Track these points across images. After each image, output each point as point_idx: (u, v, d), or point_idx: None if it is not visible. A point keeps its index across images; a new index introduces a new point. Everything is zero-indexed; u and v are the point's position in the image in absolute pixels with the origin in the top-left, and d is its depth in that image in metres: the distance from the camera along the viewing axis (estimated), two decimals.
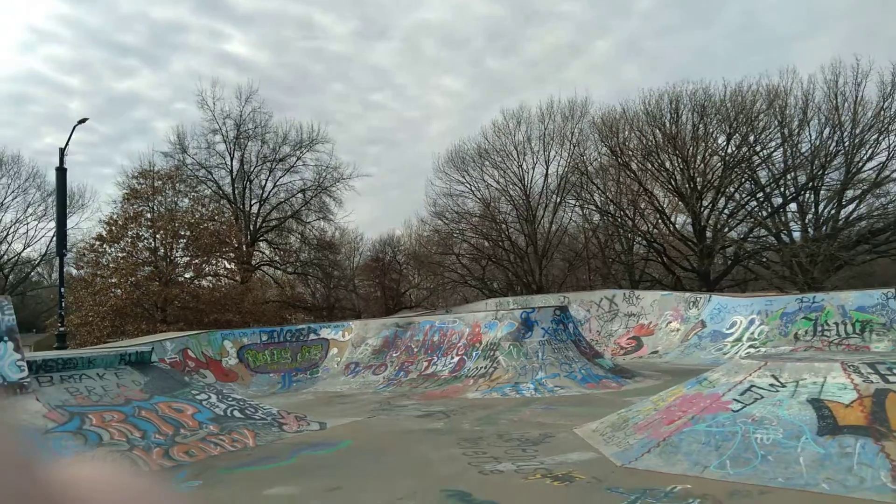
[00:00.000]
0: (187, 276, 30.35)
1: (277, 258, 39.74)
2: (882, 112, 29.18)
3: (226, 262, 33.22)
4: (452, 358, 15.91)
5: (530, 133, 38.82)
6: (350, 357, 18.27)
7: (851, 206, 31.05)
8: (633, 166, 35.26)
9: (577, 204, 38.30)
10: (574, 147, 37.69)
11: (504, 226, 40.16)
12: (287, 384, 17.35)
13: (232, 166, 37.90)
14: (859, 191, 30.55)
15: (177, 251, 30.18)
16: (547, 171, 38.57)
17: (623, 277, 37.54)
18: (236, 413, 9.97)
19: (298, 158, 38.96)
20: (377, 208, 75.00)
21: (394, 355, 17.41)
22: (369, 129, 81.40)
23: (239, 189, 38.31)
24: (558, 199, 38.53)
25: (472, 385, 14.15)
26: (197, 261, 30.13)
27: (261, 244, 39.60)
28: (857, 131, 29.79)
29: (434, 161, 73.86)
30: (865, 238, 30.67)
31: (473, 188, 40.25)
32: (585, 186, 37.02)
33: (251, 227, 38.27)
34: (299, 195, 39.47)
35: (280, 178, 39.13)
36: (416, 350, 17.13)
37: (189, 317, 27.99)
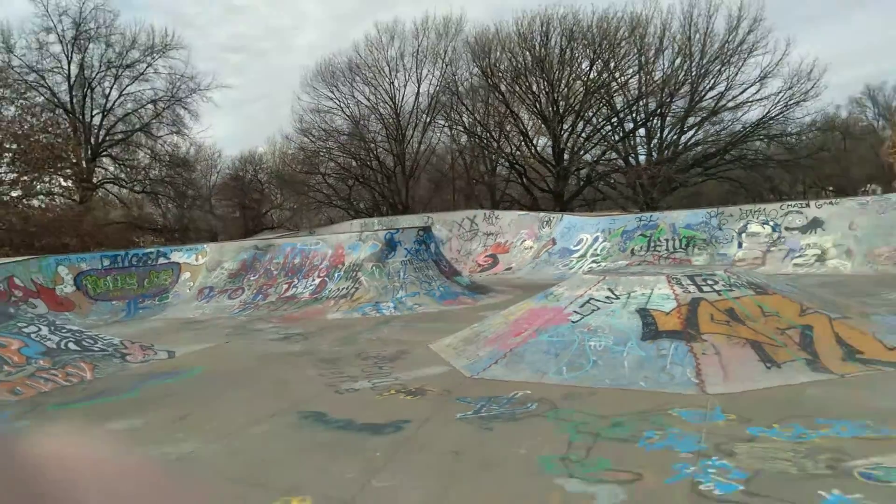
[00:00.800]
0: (14, 195, 26.92)
1: (123, 175, 36.28)
2: (727, 45, 31.60)
3: (62, 180, 29.79)
4: (314, 280, 15.71)
5: (403, 49, 37.77)
6: (204, 282, 17.41)
7: (691, 133, 33.96)
8: (503, 88, 35.70)
9: (447, 125, 38.40)
10: (446, 66, 37.32)
11: (373, 145, 39.42)
12: (132, 312, 16.26)
13: (70, 71, 33.32)
14: (699, 118, 33.40)
15: (1, 167, 26.53)
16: (418, 90, 38.03)
17: (485, 198, 38.74)
18: (71, 345, 9.19)
19: (149, 65, 35.11)
20: (238, 124, 70.25)
21: (252, 279, 16.83)
22: (232, 35, 74.61)
23: (78, 98, 33.93)
24: (428, 119, 38.33)
25: (333, 306, 14.15)
26: (26, 178, 26.72)
27: (104, 160, 35.84)
28: (704, 62, 32.13)
29: (302, 75, 69.75)
30: (699, 162, 33.88)
31: (343, 105, 38.80)
32: (455, 107, 37.08)
33: (92, 141, 34.37)
34: (149, 106, 35.89)
35: (127, 86, 35.17)
36: (275, 273, 16.68)
37: (16, 241, 25.05)
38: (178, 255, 18.37)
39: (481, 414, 5.70)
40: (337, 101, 38.63)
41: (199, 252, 18.39)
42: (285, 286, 15.98)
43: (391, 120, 38.57)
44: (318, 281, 15.55)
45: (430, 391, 6.73)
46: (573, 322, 7.61)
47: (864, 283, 12.66)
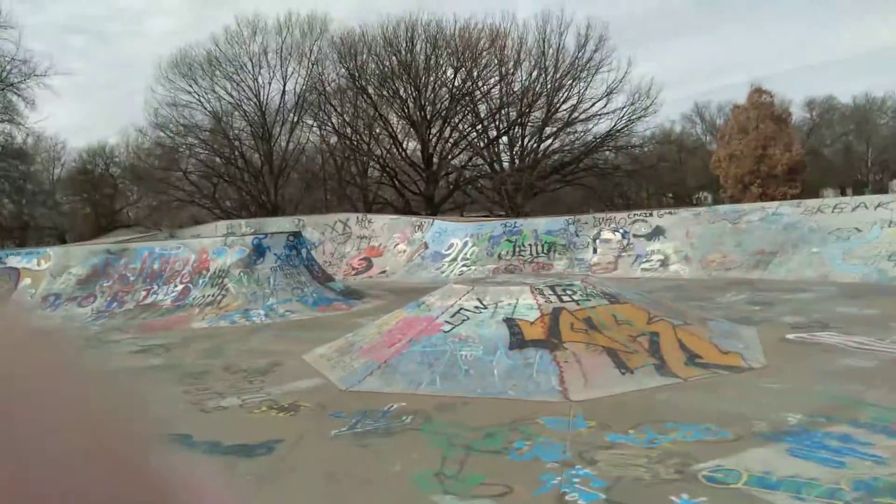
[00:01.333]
0: None
1: None
2: (577, 61, 33.99)
3: None
4: (176, 286, 14.74)
5: (266, 45, 36.38)
6: (49, 288, 15.70)
7: (549, 141, 36.12)
8: (371, 91, 35.64)
9: (315, 124, 37.61)
10: (312, 66, 36.48)
11: (237, 143, 37.62)
12: None
13: None
14: (555, 128, 35.61)
15: None
16: (284, 88, 36.85)
17: (358, 199, 38.50)
18: None
19: None
20: (84, 112, 63.82)
21: (105, 285, 15.43)
22: (71, 15, 67.38)
23: None
24: (295, 118, 37.27)
25: (198, 314, 13.38)
26: None
27: None
28: (557, 76, 34.32)
29: (156, 65, 64.69)
30: (557, 169, 36.13)
31: (203, 99, 36.56)
32: (323, 107, 36.42)
33: None
34: None
35: None
36: (132, 279, 15.43)
37: None
38: (16, 260, 16.42)
39: (356, 430, 5.73)
40: (196, 96, 36.40)
41: (41, 256, 16.53)
42: (143, 293, 14.84)
43: (256, 118, 37.07)
44: (180, 287, 14.61)
45: (303, 406, 6.63)
46: (445, 332, 7.84)
47: (700, 287, 14.24)
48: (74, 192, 41.29)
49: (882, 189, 46.11)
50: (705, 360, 7.11)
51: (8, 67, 31.59)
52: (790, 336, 8.57)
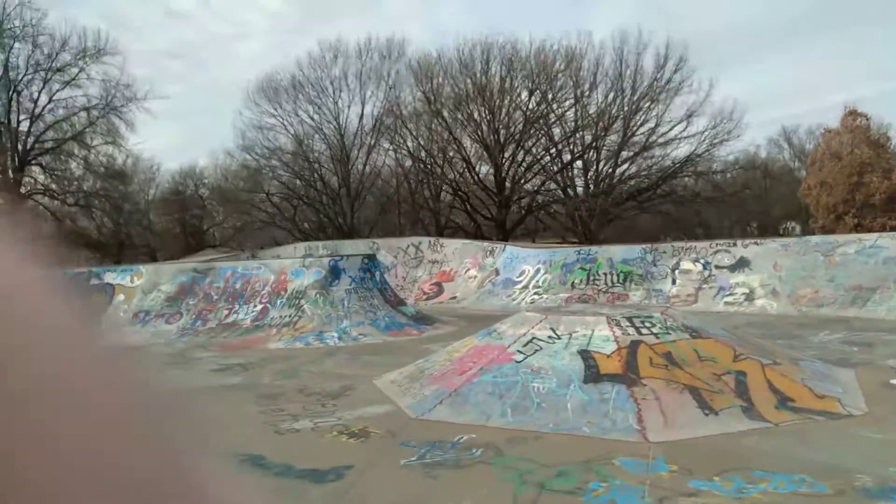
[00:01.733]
0: None
1: (55, 186, 34.39)
2: (655, 82, 33.23)
3: None
4: (255, 306, 15.30)
5: (347, 69, 37.73)
6: (139, 305, 16.66)
7: (625, 166, 35.34)
8: (445, 114, 36.17)
9: (391, 147, 38.49)
10: (390, 89, 37.51)
11: (317, 165, 39.01)
12: None
13: None
14: (632, 153, 34.81)
15: None
16: (363, 112, 38.00)
17: (430, 223, 38.92)
18: None
19: (81, 70, 33.33)
20: (178, 135, 68.16)
21: (190, 303, 16.23)
22: (171, 41, 72.53)
23: (3, 101, 32.01)
24: (373, 142, 38.31)
25: (276, 335, 13.80)
26: None
27: (33, 169, 33.88)
28: (635, 98, 33.63)
29: (244, 89, 68.52)
30: (633, 196, 35.22)
31: (286, 122, 38.23)
32: (399, 130, 37.25)
33: (19, 148, 32.47)
34: (82, 114, 34.12)
35: (57, 91, 33.33)
36: (215, 297, 16.15)
37: None
38: (111, 276, 17.54)
39: (425, 460, 5.66)
40: (280, 119, 38.11)
41: (134, 273, 17.60)
42: (226, 312, 15.48)
43: (335, 140, 38.35)
44: (259, 307, 15.14)
45: (373, 433, 6.64)
46: (517, 362, 7.70)
47: (789, 324, 13.38)
48: (166, 212, 43.83)
49: None
50: (798, 403, 6.61)
51: (112, 92, 34.22)
52: (894, 381, 7.88)
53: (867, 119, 35.26)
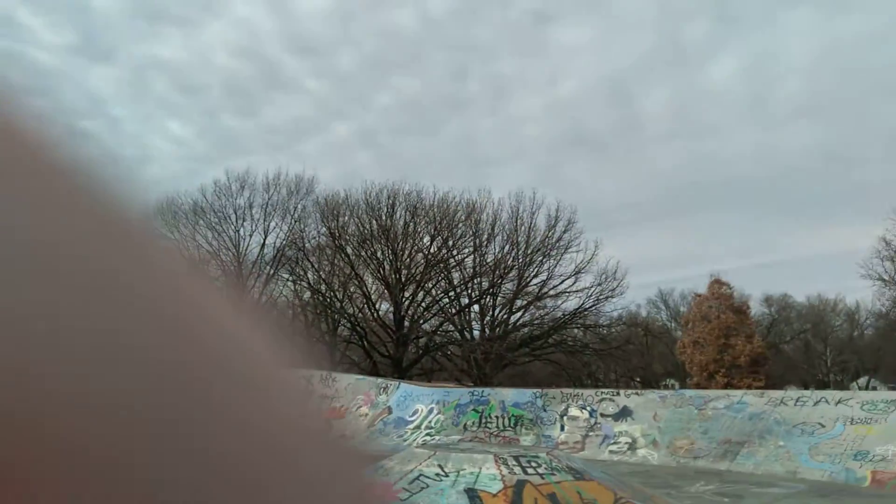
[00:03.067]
0: None
1: None
2: (546, 239, 35.87)
3: None
4: None
5: (253, 200, 37.91)
6: None
7: (519, 314, 36.78)
8: (349, 250, 36.72)
9: (291, 279, 38.05)
10: (295, 222, 37.85)
11: None
12: None
13: None
14: (525, 301, 36.48)
15: None
16: (264, 241, 37.75)
17: (324, 357, 37.75)
18: None
19: None
20: None
21: None
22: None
23: None
24: (272, 271, 37.78)
25: None
26: None
27: None
28: (529, 251, 35.96)
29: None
30: (526, 342, 36.37)
31: (181, 246, 37.01)
32: (301, 263, 37.14)
33: None
34: None
35: None
36: None
37: None
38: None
39: None
40: (175, 242, 36.94)
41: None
42: None
43: (232, 268, 37.50)
44: None
45: None
46: (402, 500, 7.35)
47: (668, 474, 13.77)
48: None
49: (844, 390, 46.90)
50: None
51: None
52: None
53: (730, 288, 39.50)
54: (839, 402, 15.28)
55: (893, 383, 44.52)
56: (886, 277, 38.04)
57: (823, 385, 51.70)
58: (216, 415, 0.28)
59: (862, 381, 51.61)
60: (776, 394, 16.98)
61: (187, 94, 75.70)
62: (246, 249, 37.44)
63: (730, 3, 78.14)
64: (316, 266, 37.48)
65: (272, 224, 37.75)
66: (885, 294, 39.84)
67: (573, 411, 18.19)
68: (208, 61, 74.86)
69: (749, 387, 30.63)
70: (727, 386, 32.82)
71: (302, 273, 37.31)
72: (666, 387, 47.41)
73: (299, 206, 37.96)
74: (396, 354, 35.11)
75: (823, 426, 14.85)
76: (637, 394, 18.40)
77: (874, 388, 43.07)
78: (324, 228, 37.08)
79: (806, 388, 46.28)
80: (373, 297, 37.63)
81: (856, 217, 76.73)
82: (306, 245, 37.28)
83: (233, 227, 37.38)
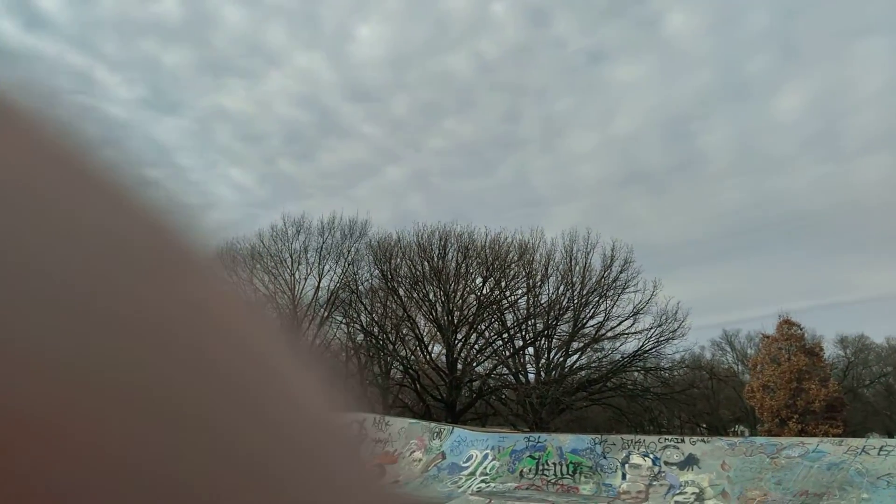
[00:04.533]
0: None
1: None
2: (602, 279, 35.11)
3: None
4: None
5: (308, 244, 38.85)
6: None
7: (575, 357, 35.86)
8: (401, 292, 36.91)
9: (344, 321, 38.46)
10: (349, 265, 38.47)
11: None
12: None
13: None
14: (582, 344, 35.57)
15: None
16: (318, 284, 38.45)
17: (377, 400, 37.70)
18: None
19: None
20: None
21: None
22: None
23: None
24: (326, 314, 38.30)
25: None
26: None
27: None
28: (584, 292, 35.23)
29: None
30: (583, 386, 35.31)
31: (240, 290, 38.22)
32: (354, 305, 37.55)
33: None
34: None
35: None
36: None
37: None
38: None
39: None
40: (234, 286, 38.14)
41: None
42: None
43: (288, 310, 38.21)
44: None
45: None
46: None
47: None
48: None
49: None
50: None
51: None
52: None
53: (801, 329, 37.46)
54: None
55: None
56: None
57: None
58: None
59: None
60: (857, 442, 15.76)
61: (248, 142, 79.39)
62: (301, 292, 38.19)
63: (794, 35, 76.52)
64: (369, 308, 37.80)
65: (326, 267, 38.50)
66: None
67: (635, 459, 17.33)
68: (269, 110, 78.58)
69: (825, 434, 28.66)
70: (801, 433, 30.78)
71: (355, 315, 37.68)
72: (735, 433, 44.90)
73: (353, 248, 38.66)
74: (449, 398, 34.66)
75: None
76: (704, 441, 17.42)
77: None
78: (376, 271, 37.54)
79: (890, 436, 42.96)
80: (425, 339, 37.55)
81: None
82: (359, 287, 37.75)
83: (288, 270, 38.29)
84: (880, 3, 68.66)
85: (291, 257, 38.37)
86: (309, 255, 38.50)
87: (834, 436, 25.80)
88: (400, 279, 37.10)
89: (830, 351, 46.76)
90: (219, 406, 0.27)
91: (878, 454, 14.67)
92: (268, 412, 0.31)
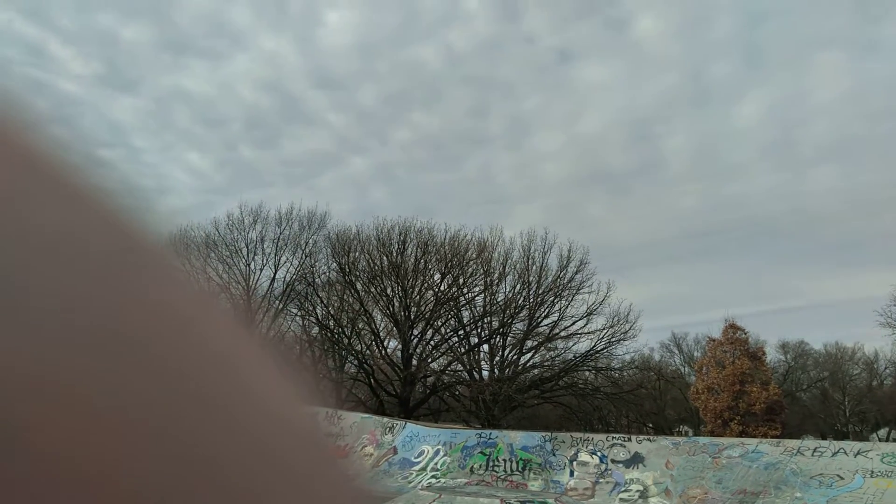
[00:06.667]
0: None
1: None
2: (558, 280, 35.65)
3: None
4: None
5: (265, 234, 38.20)
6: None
7: (529, 355, 36.32)
8: (359, 286, 36.67)
9: (300, 314, 37.99)
10: (306, 257, 38.00)
11: None
12: None
13: None
14: (536, 342, 36.05)
15: None
16: (274, 276, 37.86)
17: (331, 394, 37.37)
18: None
19: None
20: None
21: None
22: None
23: None
24: (281, 306, 37.75)
25: None
26: None
27: None
28: (540, 291, 35.72)
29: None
30: (536, 384, 35.81)
31: (193, 278, 37.32)
32: (310, 298, 37.12)
33: None
34: None
35: None
36: None
37: None
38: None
39: None
40: (186, 274, 37.26)
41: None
42: None
43: (242, 301, 37.51)
44: None
45: None
46: None
47: None
48: None
49: (863, 441, 45.53)
50: None
51: None
52: None
53: (745, 333, 38.84)
54: (858, 453, 14.77)
55: None
56: None
57: (842, 435, 50.20)
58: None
59: (882, 432, 50.12)
60: (793, 443, 16.46)
61: (208, 125, 77.37)
62: (256, 283, 37.54)
63: (757, 44, 78.95)
64: (325, 301, 37.44)
65: (283, 258, 37.94)
66: None
67: (583, 456, 17.69)
68: (231, 93, 76.70)
69: (765, 435, 29.80)
70: (742, 434, 31.95)
71: (311, 308, 37.26)
72: (679, 433, 46.31)
73: (311, 240, 38.19)
74: (403, 393, 34.66)
75: (842, 478, 14.33)
76: (649, 440, 17.90)
77: (895, 440, 41.75)
78: (334, 264, 37.21)
79: (823, 438, 44.99)
80: (381, 334, 37.42)
81: (877, 263, 75.90)
82: (316, 280, 37.35)
83: (244, 260, 37.59)
84: (840, 18, 71.67)
85: (247, 247, 37.69)
86: (265, 246, 37.90)
87: (773, 437, 26.88)
88: (358, 273, 36.87)
89: (772, 355, 48.71)
90: (180, 409, 0.26)
91: (812, 455, 15.36)
92: (231, 413, 0.30)
